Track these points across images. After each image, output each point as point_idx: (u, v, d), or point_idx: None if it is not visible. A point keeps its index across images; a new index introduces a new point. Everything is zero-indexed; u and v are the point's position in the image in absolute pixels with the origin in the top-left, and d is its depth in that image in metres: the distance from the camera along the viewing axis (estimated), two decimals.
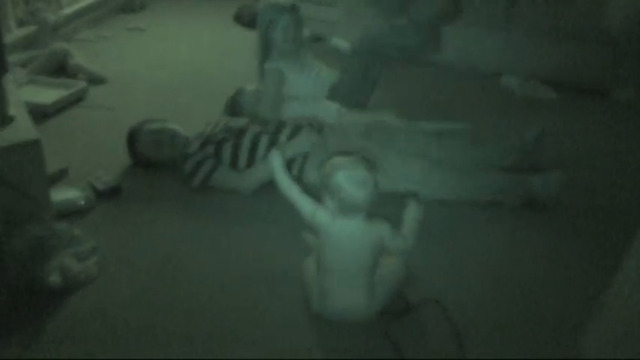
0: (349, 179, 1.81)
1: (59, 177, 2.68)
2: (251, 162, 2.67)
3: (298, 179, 2.55)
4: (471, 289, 2.13)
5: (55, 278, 2.00)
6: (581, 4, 3.63)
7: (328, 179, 1.84)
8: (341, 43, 4.29)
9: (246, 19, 4.68)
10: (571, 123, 3.27)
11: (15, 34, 3.88)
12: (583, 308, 1.94)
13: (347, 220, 1.87)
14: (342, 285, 1.90)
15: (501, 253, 2.32)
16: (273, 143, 2.66)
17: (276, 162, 1.96)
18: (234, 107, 3.21)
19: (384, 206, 1.96)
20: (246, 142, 2.68)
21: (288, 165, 2.60)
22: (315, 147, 2.66)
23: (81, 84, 3.54)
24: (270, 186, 2.52)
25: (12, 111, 2.30)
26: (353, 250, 1.88)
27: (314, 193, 1.98)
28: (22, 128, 2.28)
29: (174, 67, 4.02)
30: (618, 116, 3.36)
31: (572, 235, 2.42)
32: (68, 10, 4.33)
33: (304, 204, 1.91)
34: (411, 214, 1.96)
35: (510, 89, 3.71)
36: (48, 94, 3.36)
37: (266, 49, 3.17)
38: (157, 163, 2.79)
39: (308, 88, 3.17)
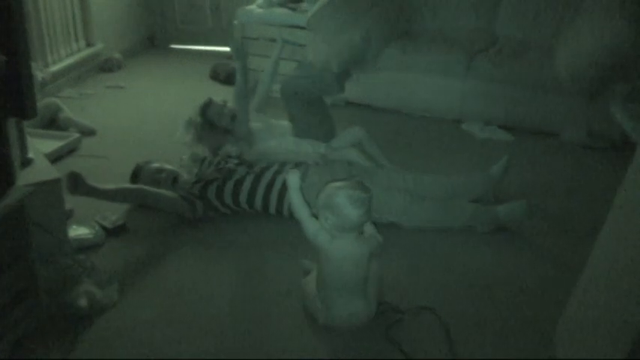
0: (350, 199, 2.07)
1: (67, 217, 2.85)
2: (235, 201, 2.91)
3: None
4: (454, 298, 2.42)
5: (83, 302, 2.19)
6: (532, 56, 4.03)
7: (330, 199, 2.10)
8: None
9: (222, 76, 4.93)
10: (528, 161, 3.64)
11: None
12: (553, 311, 2.24)
13: (343, 239, 2.12)
14: (345, 296, 2.16)
15: (476, 270, 2.62)
16: (257, 180, 2.89)
17: (293, 180, 2.18)
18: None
19: None
20: (229, 185, 2.91)
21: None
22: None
23: (74, 135, 3.74)
24: (269, 218, 2.79)
25: (30, 154, 2.50)
26: (351, 266, 2.14)
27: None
28: (42, 169, 2.48)
29: (159, 118, 4.23)
30: (567, 154, 3.76)
31: (536, 251, 2.77)
32: (53, 69, 4.53)
33: (310, 224, 2.16)
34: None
35: (471, 134, 4.04)
36: (44, 145, 3.51)
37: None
38: None
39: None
